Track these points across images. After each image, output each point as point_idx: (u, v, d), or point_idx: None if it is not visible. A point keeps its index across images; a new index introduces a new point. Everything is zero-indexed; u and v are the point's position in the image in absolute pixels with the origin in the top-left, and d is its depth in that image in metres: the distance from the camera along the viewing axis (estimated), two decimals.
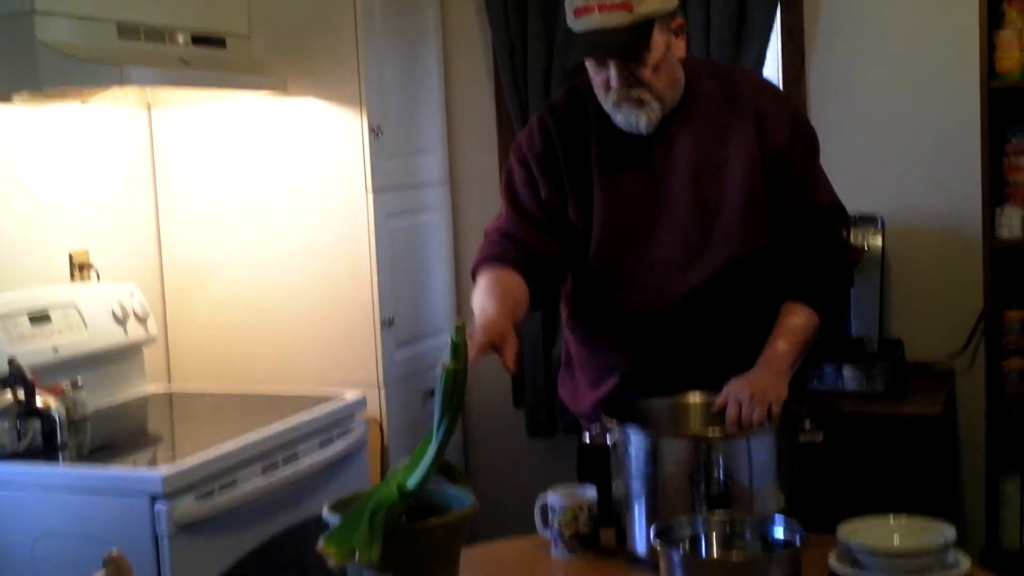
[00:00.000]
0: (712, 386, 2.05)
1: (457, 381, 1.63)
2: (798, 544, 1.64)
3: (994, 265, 2.87)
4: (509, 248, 2.19)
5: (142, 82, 2.68)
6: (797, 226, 2.18)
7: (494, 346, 1.90)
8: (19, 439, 2.44)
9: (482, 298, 2.09)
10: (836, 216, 2.23)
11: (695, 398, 2.08)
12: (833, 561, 1.79)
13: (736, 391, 1.99)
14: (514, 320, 2.03)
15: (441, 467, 1.73)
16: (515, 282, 2.13)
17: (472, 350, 1.75)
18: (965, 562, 1.76)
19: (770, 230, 2.18)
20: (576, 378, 2.32)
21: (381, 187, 3.14)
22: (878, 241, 3.04)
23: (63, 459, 2.46)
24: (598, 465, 2.04)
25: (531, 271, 2.16)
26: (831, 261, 2.19)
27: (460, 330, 1.66)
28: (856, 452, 2.74)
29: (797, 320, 2.12)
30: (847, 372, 2.93)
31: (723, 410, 1.99)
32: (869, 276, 3.04)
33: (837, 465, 2.69)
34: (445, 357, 1.64)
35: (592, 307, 2.25)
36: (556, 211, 2.20)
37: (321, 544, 1.62)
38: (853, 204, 3.08)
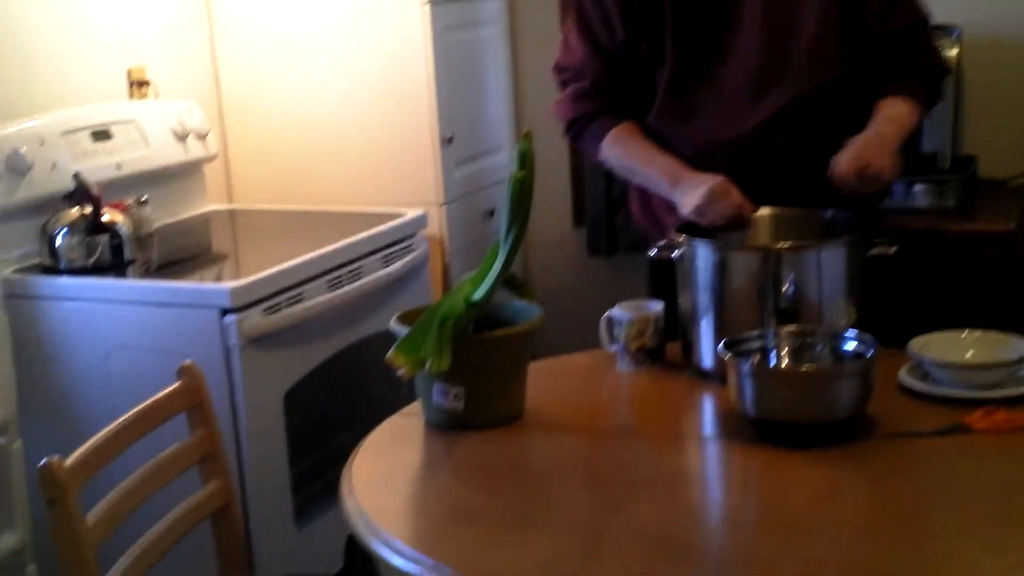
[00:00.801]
0: None
1: (524, 189, 1.61)
2: (869, 356, 1.62)
3: None
4: (609, 101, 2.15)
5: None
6: (885, 45, 2.10)
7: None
8: (88, 254, 2.47)
9: (655, 157, 2.09)
10: (924, 28, 2.15)
11: (764, 211, 2.04)
12: (904, 375, 1.79)
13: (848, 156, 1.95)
14: None
15: (506, 280, 1.72)
16: (645, 133, 2.13)
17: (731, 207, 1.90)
18: None
19: (849, 59, 2.10)
20: (653, 205, 2.27)
21: None
22: (954, 53, 2.92)
23: (131, 274, 2.49)
24: (665, 281, 2.03)
25: (636, 116, 2.14)
26: (927, 63, 2.13)
27: (526, 138, 1.63)
28: (926, 269, 2.70)
29: (897, 109, 2.05)
30: (918, 188, 2.87)
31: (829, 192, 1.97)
32: (943, 89, 2.94)
33: (907, 282, 2.65)
34: (513, 167, 1.61)
35: (666, 140, 2.18)
36: (633, 49, 2.14)
37: (390, 354, 1.64)
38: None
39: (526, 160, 1.62)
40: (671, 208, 2.18)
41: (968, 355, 1.80)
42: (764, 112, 2.08)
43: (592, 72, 2.16)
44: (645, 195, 2.28)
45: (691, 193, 1.97)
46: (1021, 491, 1.50)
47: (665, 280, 2.02)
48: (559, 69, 2.22)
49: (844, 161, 1.96)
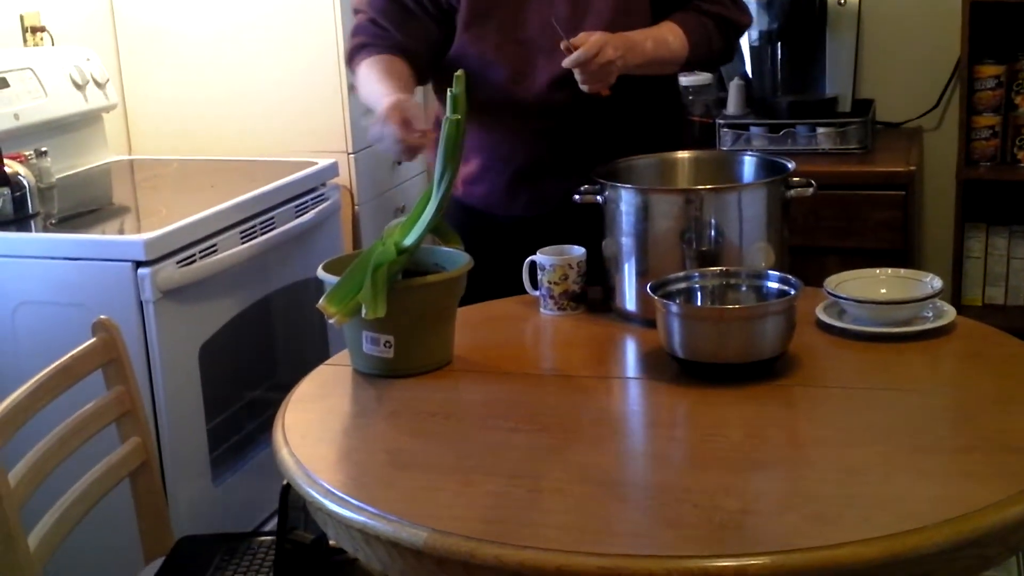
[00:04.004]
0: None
1: (460, 133, 1.60)
2: (793, 295, 1.66)
3: (972, 20, 2.84)
4: (381, 35, 2.09)
5: None
6: None
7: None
8: None
9: (373, 85, 2.01)
10: None
11: (683, 154, 2.06)
12: (821, 312, 1.83)
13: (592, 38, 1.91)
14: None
15: (432, 228, 1.72)
16: (398, 65, 2.05)
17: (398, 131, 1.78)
18: (950, 312, 1.81)
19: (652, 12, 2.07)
20: (469, 162, 2.16)
21: None
22: None
23: (36, 227, 2.41)
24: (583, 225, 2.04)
25: (410, 53, 2.08)
26: (721, 15, 2.11)
27: (460, 80, 1.62)
28: (832, 210, 2.77)
29: (671, 39, 2.04)
30: (821, 131, 2.93)
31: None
32: (844, 34, 3.00)
33: (813, 223, 2.73)
34: (448, 109, 1.60)
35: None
36: None
37: (322, 303, 1.62)
38: None
39: (458, 103, 1.61)
40: (489, 168, 2.15)
41: (882, 292, 1.86)
42: (558, 66, 1.96)
43: (374, 7, 2.11)
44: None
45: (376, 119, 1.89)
46: (942, 420, 1.56)
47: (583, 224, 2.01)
48: (354, 9, 2.18)
49: (592, 41, 1.90)
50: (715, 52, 2.15)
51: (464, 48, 2.08)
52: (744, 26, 2.19)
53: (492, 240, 2.09)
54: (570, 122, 2.08)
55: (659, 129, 2.17)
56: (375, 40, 2.09)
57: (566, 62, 1.91)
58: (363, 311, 1.58)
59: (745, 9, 2.19)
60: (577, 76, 1.93)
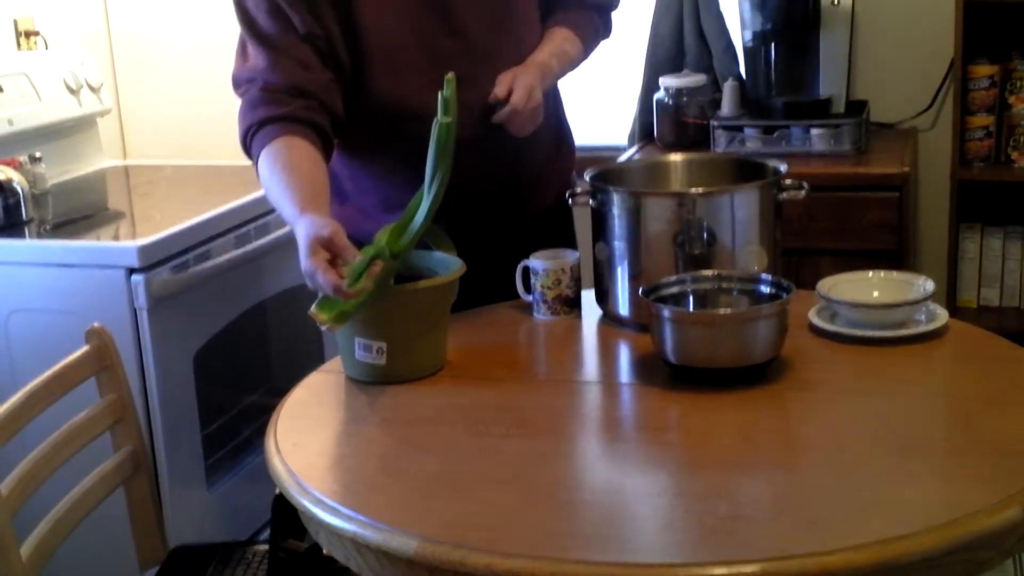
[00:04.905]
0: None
1: (450, 136, 1.60)
2: (784, 299, 1.66)
3: (965, 20, 2.83)
4: (276, 110, 1.79)
5: None
6: None
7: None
8: None
9: (280, 192, 1.71)
10: None
11: (675, 157, 2.06)
12: (814, 315, 1.83)
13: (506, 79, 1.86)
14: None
15: (425, 232, 1.71)
16: (305, 155, 1.76)
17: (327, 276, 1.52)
18: (943, 314, 1.81)
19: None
20: (357, 205, 2.01)
21: None
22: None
23: (30, 234, 2.41)
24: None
25: (314, 126, 1.80)
26: (599, 4, 2.08)
27: (451, 82, 1.61)
28: (826, 211, 2.76)
29: (569, 47, 2.01)
30: (815, 132, 2.93)
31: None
32: (838, 35, 3.00)
33: (807, 224, 2.73)
34: (439, 112, 1.60)
35: (377, 138, 1.94)
36: (315, 39, 1.83)
37: (313, 310, 1.62)
38: None
39: (449, 106, 1.60)
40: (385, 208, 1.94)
41: (875, 295, 1.86)
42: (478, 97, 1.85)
43: (263, 70, 1.83)
44: (342, 199, 2.01)
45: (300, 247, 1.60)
46: (935, 424, 1.56)
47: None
48: (235, 84, 1.91)
49: (520, 88, 1.84)
50: (599, 41, 2.13)
51: (376, 97, 1.89)
52: (618, 4, 2.14)
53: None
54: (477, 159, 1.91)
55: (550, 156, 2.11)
56: (271, 115, 1.79)
57: (498, 117, 1.85)
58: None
59: None
60: (509, 125, 1.87)
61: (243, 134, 1.84)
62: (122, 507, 1.93)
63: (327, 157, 1.83)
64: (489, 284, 1.97)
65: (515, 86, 1.86)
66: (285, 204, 1.69)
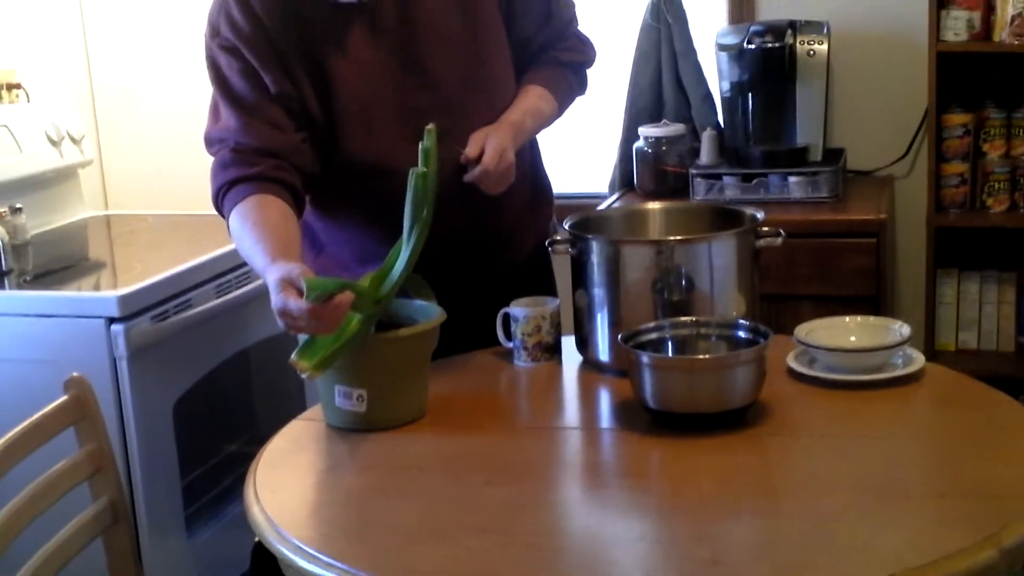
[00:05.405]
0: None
1: (428, 186, 1.61)
2: (763, 342, 1.67)
3: (939, 70, 2.88)
4: (247, 171, 1.81)
5: None
6: (542, 46, 2.05)
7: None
8: None
9: (250, 247, 1.73)
10: (573, 24, 2.11)
11: (653, 205, 2.08)
12: (792, 360, 1.84)
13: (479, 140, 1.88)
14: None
15: (406, 279, 1.72)
16: (274, 212, 1.78)
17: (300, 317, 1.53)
18: (919, 358, 1.82)
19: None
20: (333, 257, 2.02)
21: None
22: (824, 47, 3.02)
23: (9, 285, 2.41)
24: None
25: (285, 185, 1.82)
26: (574, 62, 2.10)
27: (431, 133, 1.63)
28: (804, 258, 2.78)
29: (543, 105, 2.02)
30: (793, 180, 2.96)
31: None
32: (814, 85, 3.04)
33: (786, 271, 2.74)
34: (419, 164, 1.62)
35: (351, 192, 1.95)
36: (288, 100, 1.84)
37: (293, 358, 1.62)
38: (798, 10, 3.09)
39: (429, 157, 1.62)
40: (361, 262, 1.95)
41: (852, 339, 1.87)
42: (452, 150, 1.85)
43: (235, 130, 1.84)
44: (317, 251, 2.05)
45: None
46: (913, 467, 1.57)
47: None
48: (207, 143, 1.90)
49: (491, 149, 1.85)
50: (574, 98, 2.15)
51: (349, 153, 1.90)
52: (594, 61, 2.16)
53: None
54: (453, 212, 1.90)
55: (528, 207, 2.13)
56: (241, 176, 1.81)
57: (470, 177, 1.86)
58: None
59: (592, 45, 2.15)
60: (480, 184, 1.88)
61: (215, 193, 1.86)
62: (101, 558, 1.92)
63: (299, 213, 1.86)
64: (469, 331, 1.98)
65: (487, 146, 1.87)
66: (257, 256, 1.70)
